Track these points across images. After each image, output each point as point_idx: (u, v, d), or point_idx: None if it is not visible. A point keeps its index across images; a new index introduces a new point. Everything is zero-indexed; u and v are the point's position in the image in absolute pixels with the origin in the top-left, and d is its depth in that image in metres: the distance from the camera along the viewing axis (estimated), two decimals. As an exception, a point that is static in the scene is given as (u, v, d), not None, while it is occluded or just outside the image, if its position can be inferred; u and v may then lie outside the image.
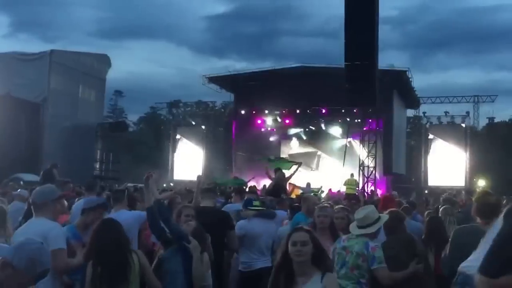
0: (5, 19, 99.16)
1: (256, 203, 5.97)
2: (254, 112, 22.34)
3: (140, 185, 12.25)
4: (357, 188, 19.52)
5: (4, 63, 21.77)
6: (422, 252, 4.67)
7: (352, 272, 4.16)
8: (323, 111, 21.66)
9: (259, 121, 22.80)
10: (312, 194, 10.63)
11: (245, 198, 6.68)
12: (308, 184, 17.66)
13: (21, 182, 12.72)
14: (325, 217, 4.83)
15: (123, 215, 5.11)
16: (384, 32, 71.39)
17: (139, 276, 3.74)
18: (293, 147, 23.59)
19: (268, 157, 17.37)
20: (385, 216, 4.46)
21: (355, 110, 20.89)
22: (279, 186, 11.15)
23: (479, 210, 3.91)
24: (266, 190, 11.54)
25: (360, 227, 4.30)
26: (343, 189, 19.00)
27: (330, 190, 18.32)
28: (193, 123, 25.09)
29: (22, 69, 21.91)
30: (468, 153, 24.54)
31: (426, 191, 20.91)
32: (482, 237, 3.55)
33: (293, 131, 23.11)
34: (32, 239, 2.87)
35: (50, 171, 13.30)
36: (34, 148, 20.54)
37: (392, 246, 4.37)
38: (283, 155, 22.96)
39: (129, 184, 16.09)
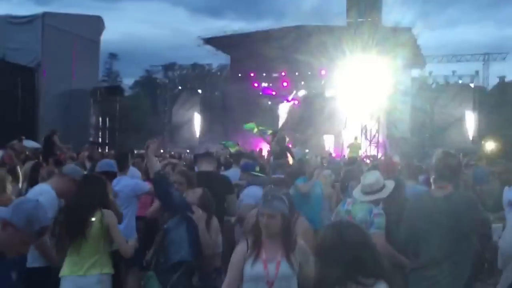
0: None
1: (257, 168, 6.20)
2: (251, 74, 22.75)
3: (137, 151, 13.09)
4: (360, 152, 20.28)
5: (-4, 27, 22.30)
6: None
7: None
8: (323, 72, 22.08)
9: (256, 84, 23.21)
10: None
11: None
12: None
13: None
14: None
15: (122, 182, 5.66)
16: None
17: (103, 233, 4.10)
18: (291, 109, 24.03)
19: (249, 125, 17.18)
20: (390, 183, 4.46)
21: (357, 69, 21.24)
22: (285, 148, 11.11)
23: (437, 173, 3.70)
24: (273, 153, 11.33)
25: (365, 193, 4.33)
26: (346, 152, 19.74)
27: (330, 154, 18.87)
28: (189, 87, 25.69)
29: (15, 33, 22.38)
30: (476, 114, 24.90)
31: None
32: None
33: (291, 91, 23.54)
34: (28, 198, 3.19)
35: (51, 138, 14.15)
36: (30, 114, 21.29)
37: (390, 213, 4.34)
38: (281, 120, 23.66)
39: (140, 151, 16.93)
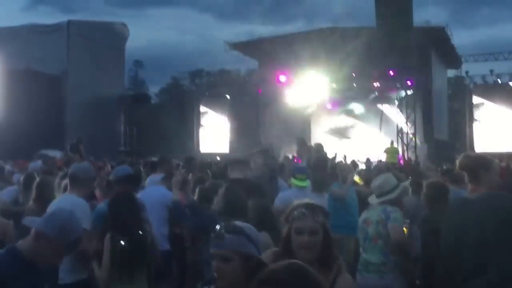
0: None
1: (301, 176, 5.87)
2: (280, 79, 22.25)
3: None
4: (398, 156, 19.61)
5: (22, 36, 22.35)
6: None
7: (375, 242, 4.19)
8: (354, 75, 21.46)
9: (285, 88, 22.69)
10: None
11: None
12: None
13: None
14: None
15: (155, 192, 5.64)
16: (425, -14, 69.36)
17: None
18: (324, 115, 23.49)
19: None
20: (404, 183, 4.54)
21: (390, 73, 20.64)
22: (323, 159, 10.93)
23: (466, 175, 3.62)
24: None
25: (378, 195, 4.36)
26: (384, 157, 19.07)
27: (368, 159, 18.17)
28: (217, 93, 25.34)
29: (40, 41, 22.43)
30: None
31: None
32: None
33: (323, 96, 22.96)
34: (62, 208, 3.03)
35: (77, 146, 13.86)
36: (56, 123, 21.20)
37: (432, 220, 4.32)
38: (313, 124, 23.06)
39: (154, 158, 16.58)
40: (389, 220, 4.14)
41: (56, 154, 14.58)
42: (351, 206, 6.46)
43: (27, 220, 2.73)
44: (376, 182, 4.44)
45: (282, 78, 22.02)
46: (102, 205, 4.52)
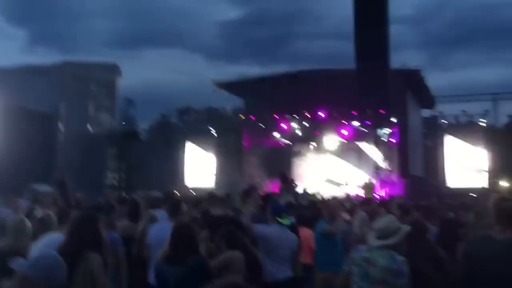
0: (23, 33, 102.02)
1: (285, 215, 5.77)
2: (264, 117, 22.84)
3: (153, 193, 12.88)
4: (374, 192, 20.02)
5: (18, 77, 22.82)
6: (446, 261, 4.63)
7: (377, 287, 3.99)
8: (335, 114, 22.11)
9: (269, 126, 23.25)
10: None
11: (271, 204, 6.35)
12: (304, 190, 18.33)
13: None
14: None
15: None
16: (401, 31, 71.41)
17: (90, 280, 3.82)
18: (305, 152, 23.96)
19: None
20: (405, 226, 4.29)
21: (368, 112, 21.27)
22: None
23: (496, 217, 3.73)
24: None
25: (378, 237, 4.14)
26: (361, 193, 19.49)
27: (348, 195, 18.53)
28: (204, 130, 25.80)
29: (35, 81, 22.89)
30: (488, 153, 24.60)
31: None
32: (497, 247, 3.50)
33: (304, 135, 23.50)
34: (49, 252, 3.00)
35: (65, 181, 14.07)
36: (48, 159, 21.45)
37: (411, 258, 4.18)
38: (296, 161, 23.51)
39: (140, 193, 16.85)
40: (403, 275, 3.91)
41: (46, 189, 14.78)
42: (339, 243, 6.48)
43: (15, 264, 2.69)
44: (379, 224, 4.20)
45: (265, 116, 22.61)
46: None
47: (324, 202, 8.45)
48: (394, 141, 21.96)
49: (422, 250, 4.44)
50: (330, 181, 21.72)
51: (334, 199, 13.45)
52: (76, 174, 15.87)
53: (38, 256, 2.81)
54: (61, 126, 23.07)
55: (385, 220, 4.26)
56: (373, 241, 4.15)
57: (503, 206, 3.71)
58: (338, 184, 21.77)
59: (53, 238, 4.37)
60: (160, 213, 6.41)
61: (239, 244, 4.35)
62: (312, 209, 10.64)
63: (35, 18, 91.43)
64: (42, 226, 4.90)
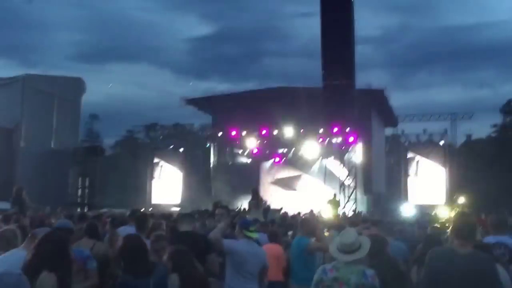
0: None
1: (253, 228, 5.71)
2: (232, 134, 22.87)
3: (117, 210, 12.61)
4: (339, 209, 20.21)
5: (-23, 90, 22.04)
6: (406, 274, 4.73)
7: None
8: (302, 131, 22.35)
9: (236, 142, 23.28)
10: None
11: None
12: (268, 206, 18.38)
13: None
14: None
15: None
16: (367, 52, 73.40)
17: None
18: (272, 168, 24.08)
19: None
20: (366, 240, 4.25)
21: (334, 130, 21.60)
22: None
23: (457, 231, 3.81)
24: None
25: (345, 252, 4.05)
26: (326, 209, 19.65)
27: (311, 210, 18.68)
28: (171, 146, 25.54)
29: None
30: (447, 170, 25.37)
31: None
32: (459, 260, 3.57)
33: (271, 151, 23.64)
34: (11, 270, 2.93)
35: (19, 196, 13.59)
36: (7, 175, 20.71)
37: (376, 270, 4.13)
38: (263, 177, 23.58)
39: (104, 210, 16.49)
40: None
41: (5, 206, 14.24)
42: (317, 258, 6.51)
43: None
44: (345, 239, 4.11)
45: (233, 133, 22.63)
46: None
47: (303, 218, 8.43)
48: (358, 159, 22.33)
49: (385, 264, 4.44)
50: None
51: (312, 214, 13.52)
52: (38, 191, 15.35)
53: (1, 274, 2.75)
54: (22, 141, 22.34)
55: (350, 235, 4.19)
56: (340, 256, 4.06)
57: (463, 221, 3.85)
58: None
59: (16, 255, 4.24)
60: (126, 229, 6.38)
61: (186, 264, 4.31)
62: (284, 226, 10.71)
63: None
64: (4, 242, 4.75)
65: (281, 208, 18.18)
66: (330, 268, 4.07)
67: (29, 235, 4.65)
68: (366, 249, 4.10)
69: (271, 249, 6.62)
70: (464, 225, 3.82)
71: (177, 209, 19.83)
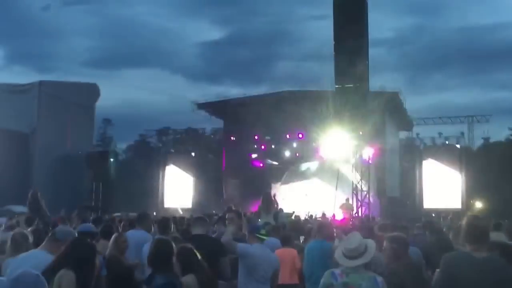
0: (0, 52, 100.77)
1: (263, 231, 5.77)
2: (243, 138, 22.87)
3: (131, 213, 12.68)
4: (352, 213, 20.02)
5: (-6, 95, 22.47)
6: (428, 279, 4.59)
7: None
8: (315, 136, 22.21)
9: (248, 147, 23.28)
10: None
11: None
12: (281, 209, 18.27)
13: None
14: None
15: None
16: (380, 54, 72.77)
17: None
18: (283, 172, 24.00)
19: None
20: (371, 242, 4.19)
21: (347, 134, 21.39)
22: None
23: (468, 235, 3.72)
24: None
25: (351, 257, 4.00)
26: (340, 213, 19.49)
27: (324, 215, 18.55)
28: (183, 150, 25.67)
29: (11, 100, 22.60)
30: (463, 175, 24.96)
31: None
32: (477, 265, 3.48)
33: (283, 155, 23.58)
34: (29, 271, 2.94)
35: (35, 200, 13.76)
36: (23, 179, 21.03)
37: (396, 274, 4.19)
38: (273, 181, 23.49)
39: (117, 214, 16.62)
40: None
41: (21, 209, 14.45)
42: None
43: None
44: (352, 244, 4.06)
45: (245, 137, 22.65)
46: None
47: (321, 222, 8.39)
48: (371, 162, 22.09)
49: (406, 268, 4.32)
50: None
51: (325, 219, 13.41)
52: (53, 195, 15.54)
53: (19, 275, 2.77)
54: (38, 146, 22.69)
55: (355, 239, 4.11)
56: (345, 262, 4.00)
57: (474, 224, 3.72)
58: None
59: (33, 255, 4.34)
60: (135, 234, 6.41)
61: (194, 264, 4.33)
62: (297, 230, 10.63)
63: (12, 37, 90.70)
64: (16, 244, 4.84)
65: (293, 212, 18.09)
66: (340, 273, 3.99)
67: (50, 235, 4.76)
68: (371, 253, 4.03)
69: (286, 253, 6.66)
70: (474, 229, 3.71)
71: (181, 212, 19.89)
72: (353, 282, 3.88)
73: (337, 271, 4.03)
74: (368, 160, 21.91)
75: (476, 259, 3.57)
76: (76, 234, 5.09)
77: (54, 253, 4.17)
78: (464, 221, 3.79)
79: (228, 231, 5.66)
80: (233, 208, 14.70)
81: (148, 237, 6.29)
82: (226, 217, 7.63)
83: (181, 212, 18.67)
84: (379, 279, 3.90)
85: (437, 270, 3.81)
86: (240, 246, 5.35)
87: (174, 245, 4.41)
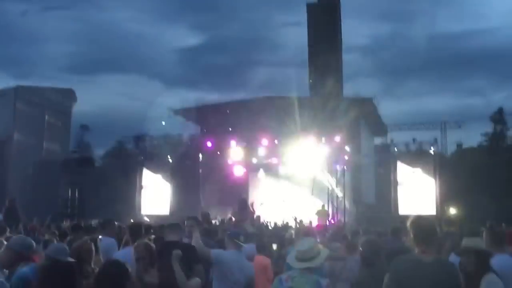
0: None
1: (242, 239, 5.63)
2: (220, 144, 22.86)
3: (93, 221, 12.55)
4: (328, 219, 20.16)
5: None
6: None
7: None
8: (290, 140, 22.31)
9: (225, 153, 23.26)
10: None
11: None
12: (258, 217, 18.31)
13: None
14: None
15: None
16: (356, 60, 73.62)
17: None
18: (260, 179, 24.06)
19: None
20: (325, 251, 4.20)
21: (322, 139, 21.57)
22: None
23: (415, 238, 3.65)
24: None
25: (301, 260, 4.04)
26: (315, 219, 19.60)
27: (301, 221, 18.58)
28: (160, 156, 25.53)
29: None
30: (437, 180, 25.26)
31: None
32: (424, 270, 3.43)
33: (260, 161, 23.61)
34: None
35: (13, 208, 13.59)
36: (-3, 186, 20.76)
37: (367, 281, 4.27)
38: (251, 188, 23.53)
39: (94, 221, 16.44)
40: None
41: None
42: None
43: None
44: (304, 246, 4.09)
45: (221, 143, 22.65)
46: (24, 270, 4.15)
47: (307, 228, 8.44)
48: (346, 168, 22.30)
49: (376, 275, 4.31)
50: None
51: (302, 225, 13.47)
52: (28, 201, 15.36)
53: None
54: (13, 152, 22.39)
55: (307, 243, 4.15)
56: (294, 263, 4.03)
57: (420, 224, 3.63)
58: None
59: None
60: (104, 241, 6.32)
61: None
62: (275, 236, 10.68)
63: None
64: None
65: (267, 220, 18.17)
66: (286, 278, 4.02)
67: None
68: (321, 259, 4.06)
69: (259, 260, 6.64)
70: (419, 229, 3.61)
71: (147, 219, 19.87)
72: (297, 286, 3.90)
73: (284, 276, 4.07)
74: (343, 166, 22.14)
75: (422, 262, 3.51)
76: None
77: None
78: (408, 223, 3.70)
79: (195, 237, 5.63)
80: (204, 215, 14.68)
81: (115, 244, 6.31)
82: (185, 224, 7.70)
83: (147, 220, 18.58)
84: (324, 282, 3.93)
85: (387, 274, 3.79)
86: (214, 252, 5.33)
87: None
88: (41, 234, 9.96)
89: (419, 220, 3.69)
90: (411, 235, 3.67)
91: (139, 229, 6.30)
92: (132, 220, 20.76)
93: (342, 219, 20.99)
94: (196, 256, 5.49)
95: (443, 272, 3.49)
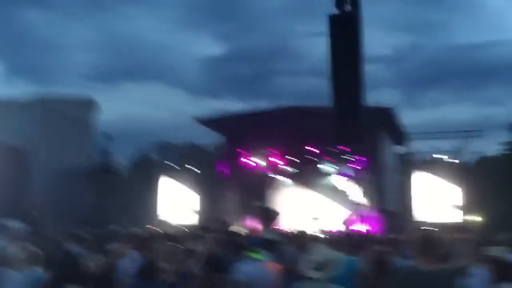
0: (0, 65, 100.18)
1: (259, 251, 5.66)
2: (245, 154, 22.67)
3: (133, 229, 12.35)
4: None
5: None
6: None
7: None
8: (314, 151, 22.09)
9: (251, 163, 23.09)
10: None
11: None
12: None
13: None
14: None
15: None
16: (378, 71, 73.36)
17: None
18: (285, 189, 23.83)
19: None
20: (337, 258, 4.25)
21: (343, 149, 21.32)
22: None
23: (416, 248, 3.78)
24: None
25: (317, 269, 4.03)
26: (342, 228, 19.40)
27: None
28: (184, 166, 25.34)
29: (10, 115, 22.31)
30: (459, 189, 24.81)
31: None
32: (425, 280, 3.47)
33: (285, 171, 23.43)
34: None
35: (31, 214, 13.46)
36: (22, 195, 20.69)
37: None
38: (277, 197, 23.31)
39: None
40: None
41: (16, 225, 14.08)
42: None
43: None
44: (317, 256, 4.13)
45: (245, 152, 22.48)
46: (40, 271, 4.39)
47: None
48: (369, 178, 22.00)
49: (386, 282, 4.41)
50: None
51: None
52: (51, 211, 15.19)
53: None
54: (37, 162, 22.35)
55: (322, 252, 4.24)
56: (310, 273, 4.01)
57: (421, 236, 3.80)
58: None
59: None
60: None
61: None
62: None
63: (12, 50, 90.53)
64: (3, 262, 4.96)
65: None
66: (301, 286, 4.07)
67: None
68: (334, 269, 4.08)
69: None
70: (421, 240, 3.76)
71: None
72: None
73: (299, 284, 4.11)
74: (367, 175, 21.88)
75: (419, 271, 3.62)
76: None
77: None
78: (413, 234, 3.93)
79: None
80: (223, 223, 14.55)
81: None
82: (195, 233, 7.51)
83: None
84: None
85: None
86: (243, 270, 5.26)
87: None
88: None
89: (419, 232, 3.94)
90: (415, 245, 3.85)
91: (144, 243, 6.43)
92: (154, 228, 20.61)
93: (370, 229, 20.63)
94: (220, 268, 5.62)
95: (436, 282, 3.54)
